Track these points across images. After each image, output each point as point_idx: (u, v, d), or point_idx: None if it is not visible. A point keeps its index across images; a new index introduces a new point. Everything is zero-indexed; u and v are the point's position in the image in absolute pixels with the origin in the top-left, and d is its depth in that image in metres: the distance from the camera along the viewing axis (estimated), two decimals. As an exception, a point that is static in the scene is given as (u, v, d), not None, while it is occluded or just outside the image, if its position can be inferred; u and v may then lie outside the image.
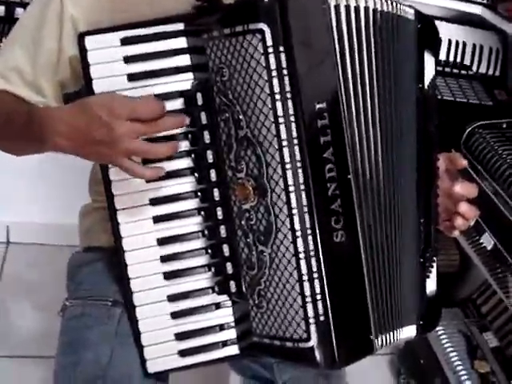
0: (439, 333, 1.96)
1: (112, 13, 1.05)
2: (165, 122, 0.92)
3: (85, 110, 0.92)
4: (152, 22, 1.02)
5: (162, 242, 1.03)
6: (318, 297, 0.94)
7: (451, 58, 1.91)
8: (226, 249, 1.03)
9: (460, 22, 1.96)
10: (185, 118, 0.96)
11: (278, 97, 0.92)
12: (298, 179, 0.93)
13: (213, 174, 1.01)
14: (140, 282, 1.04)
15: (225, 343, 1.06)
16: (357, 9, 0.97)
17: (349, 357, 0.97)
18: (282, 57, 0.91)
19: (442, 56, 1.89)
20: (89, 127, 0.91)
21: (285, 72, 0.92)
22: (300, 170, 0.93)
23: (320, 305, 0.94)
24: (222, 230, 1.02)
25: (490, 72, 1.98)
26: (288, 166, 0.93)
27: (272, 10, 0.91)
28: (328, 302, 0.94)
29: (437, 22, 1.14)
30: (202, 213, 1.03)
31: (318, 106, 0.93)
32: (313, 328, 0.95)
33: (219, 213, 1.02)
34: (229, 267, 1.03)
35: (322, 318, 0.95)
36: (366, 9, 0.98)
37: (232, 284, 1.03)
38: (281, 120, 0.92)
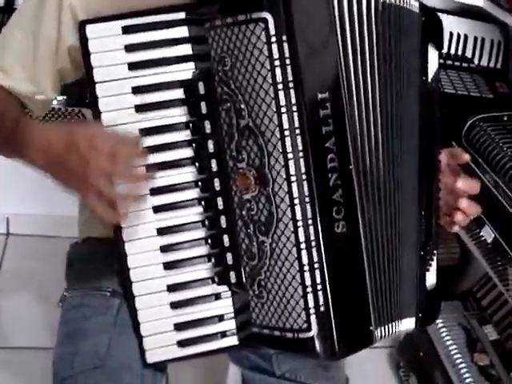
0: (439, 326, 1.96)
1: (112, 1, 1.05)
2: (138, 175, 0.95)
3: (68, 134, 0.93)
4: (153, 10, 1.01)
5: (162, 231, 1.03)
6: (319, 287, 0.94)
7: (452, 51, 1.91)
8: (226, 239, 1.02)
9: (461, 14, 1.95)
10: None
11: (280, 86, 0.92)
12: (300, 169, 0.93)
13: (213, 164, 1.01)
14: (139, 272, 1.03)
15: (224, 334, 1.06)
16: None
17: (349, 347, 0.97)
18: (285, 46, 0.91)
19: (444, 49, 1.89)
20: (66, 153, 0.92)
21: (287, 61, 0.91)
22: (302, 160, 0.93)
23: (320, 295, 0.94)
24: (223, 220, 1.02)
25: (492, 65, 1.97)
26: (290, 156, 0.93)
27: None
28: (328, 292, 0.94)
29: (438, 15, 1.13)
30: (203, 203, 1.03)
31: (320, 96, 0.92)
32: (313, 318, 0.95)
33: (220, 203, 1.02)
34: (229, 257, 1.02)
35: (322, 309, 0.94)
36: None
37: (232, 274, 1.02)
38: (283, 110, 0.92)
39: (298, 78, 0.91)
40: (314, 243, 0.94)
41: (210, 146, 1.01)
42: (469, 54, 1.95)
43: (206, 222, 1.03)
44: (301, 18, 0.91)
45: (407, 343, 2.10)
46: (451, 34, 1.90)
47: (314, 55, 0.93)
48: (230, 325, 1.06)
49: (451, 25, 1.89)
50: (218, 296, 1.05)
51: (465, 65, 1.94)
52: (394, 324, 1.03)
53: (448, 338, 1.95)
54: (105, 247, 1.16)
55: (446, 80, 1.83)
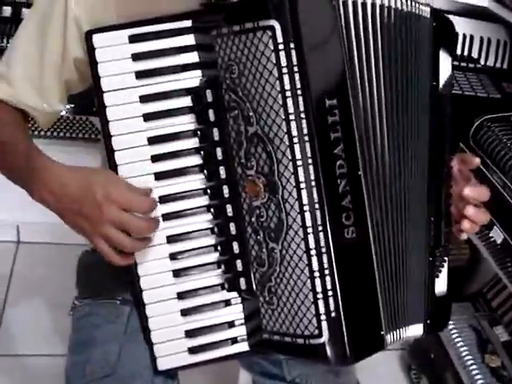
0: (450, 327, 1.96)
1: (117, 10, 1.05)
2: (150, 227, 0.97)
3: (85, 182, 0.95)
4: (160, 19, 1.01)
5: (172, 239, 1.03)
6: (330, 293, 0.94)
7: (459, 52, 1.90)
8: (235, 246, 1.02)
9: (467, 14, 1.94)
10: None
11: (288, 94, 0.92)
12: (309, 176, 0.93)
13: (222, 172, 1.01)
14: (150, 279, 1.03)
15: (234, 340, 1.06)
16: (364, 5, 0.97)
17: (360, 353, 0.97)
18: (293, 53, 0.91)
19: (456, 54, 1.88)
20: (81, 199, 0.94)
21: (295, 69, 0.91)
22: (311, 167, 0.93)
23: (331, 301, 0.94)
24: (232, 227, 1.02)
25: (498, 65, 1.97)
26: (299, 163, 0.93)
27: (282, 7, 0.90)
28: (339, 298, 0.94)
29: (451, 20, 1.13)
30: (212, 210, 1.03)
31: (328, 103, 0.92)
32: (324, 324, 0.95)
33: (229, 210, 1.02)
34: (238, 264, 1.02)
35: (333, 314, 0.94)
36: (373, 5, 0.98)
37: (242, 281, 1.02)
38: (291, 117, 0.92)
39: (305, 85, 0.91)
40: (324, 249, 0.94)
41: (219, 153, 1.01)
42: (475, 55, 1.95)
43: (216, 229, 1.03)
44: (308, 25, 0.91)
45: (418, 345, 2.09)
46: (457, 35, 1.89)
47: (321, 62, 0.93)
48: (240, 331, 1.06)
49: (457, 26, 1.87)
50: (227, 302, 1.05)
51: (471, 65, 1.94)
52: (403, 329, 1.03)
53: (459, 339, 1.95)
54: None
55: (453, 81, 1.83)
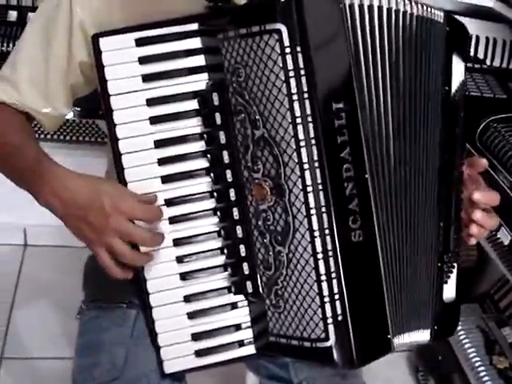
0: (457, 329, 1.95)
1: (122, 13, 1.05)
2: (154, 239, 0.97)
3: (93, 191, 0.95)
4: (166, 22, 1.02)
5: (178, 242, 1.03)
6: (336, 296, 0.94)
7: (464, 52, 1.90)
8: (242, 249, 1.02)
9: (472, 15, 1.94)
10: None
11: (295, 97, 0.92)
12: (316, 179, 0.93)
13: (229, 175, 1.01)
14: (156, 282, 1.03)
15: (241, 343, 1.06)
16: (370, 8, 0.97)
17: (367, 356, 0.97)
18: (299, 57, 0.91)
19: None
20: (87, 207, 0.94)
21: (302, 72, 0.91)
22: (318, 170, 0.93)
23: (338, 304, 0.94)
24: (239, 231, 1.02)
25: (504, 65, 1.96)
26: (306, 166, 0.93)
27: (289, 10, 0.90)
28: (346, 301, 0.94)
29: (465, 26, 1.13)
30: (218, 213, 1.03)
31: (335, 106, 0.92)
32: (331, 328, 0.95)
33: (235, 213, 1.02)
34: (245, 267, 1.02)
35: (340, 318, 0.94)
36: (380, 8, 0.97)
37: (248, 284, 1.02)
38: (298, 120, 0.92)
39: (312, 88, 0.91)
40: (330, 253, 0.94)
41: (225, 156, 1.01)
42: (481, 55, 1.94)
43: (222, 232, 1.03)
44: (314, 28, 0.91)
45: (425, 347, 2.09)
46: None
47: (328, 65, 0.93)
48: (246, 334, 1.06)
49: (462, 26, 1.88)
50: (234, 305, 1.05)
51: (477, 66, 1.93)
52: (410, 333, 1.03)
53: (466, 340, 1.94)
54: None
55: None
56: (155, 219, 0.98)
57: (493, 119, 1.71)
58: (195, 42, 1.02)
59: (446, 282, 1.09)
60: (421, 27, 1.02)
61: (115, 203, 0.93)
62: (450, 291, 1.10)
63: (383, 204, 0.98)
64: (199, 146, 1.02)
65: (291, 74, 0.92)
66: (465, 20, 1.89)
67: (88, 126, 2.23)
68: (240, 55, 0.96)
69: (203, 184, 1.03)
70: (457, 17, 1.08)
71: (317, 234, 0.94)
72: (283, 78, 0.92)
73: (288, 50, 0.91)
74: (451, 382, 1.96)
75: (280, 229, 0.97)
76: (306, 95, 0.92)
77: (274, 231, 0.97)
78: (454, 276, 1.10)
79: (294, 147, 0.93)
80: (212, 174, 1.02)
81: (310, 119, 0.92)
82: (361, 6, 0.96)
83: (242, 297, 1.04)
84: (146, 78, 1.01)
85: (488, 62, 1.95)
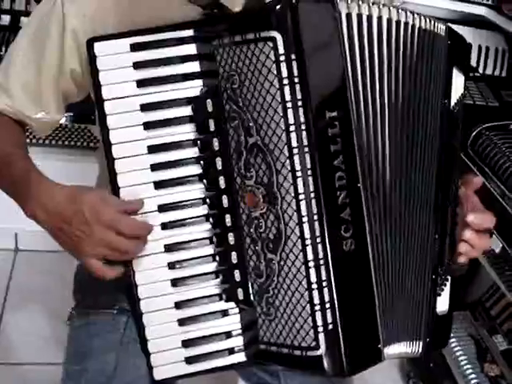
0: (448, 337, 1.96)
1: (116, 20, 1.05)
2: (135, 249, 0.98)
3: (76, 201, 0.95)
4: (161, 28, 1.02)
5: (170, 248, 1.03)
6: (327, 305, 0.94)
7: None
8: (234, 256, 1.02)
9: (465, 23, 1.95)
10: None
11: (289, 105, 0.92)
12: (308, 187, 0.93)
13: (222, 181, 1.01)
14: (147, 288, 1.03)
15: (231, 351, 1.05)
16: (369, 18, 0.97)
17: (357, 365, 0.97)
18: (294, 65, 0.91)
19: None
20: (71, 219, 0.95)
21: (296, 80, 0.91)
22: (310, 179, 0.93)
23: (329, 313, 0.94)
24: (231, 238, 1.02)
25: (497, 73, 1.97)
26: (298, 174, 0.93)
27: (284, 18, 0.90)
28: (337, 310, 0.94)
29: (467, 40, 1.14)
30: (211, 220, 1.03)
31: (329, 115, 0.92)
32: (321, 336, 0.94)
33: (227, 220, 1.02)
34: (237, 274, 1.02)
35: (330, 327, 0.94)
36: (380, 18, 0.98)
37: (240, 291, 1.02)
38: (292, 128, 0.92)
39: (306, 96, 0.91)
40: (322, 261, 0.93)
41: (218, 163, 1.01)
42: (473, 63, 1.95)
43: (214, 239, 1.03)
44: (309, 36, 0.91)
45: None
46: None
47: (322, 74, 0.93)
48: (237, 341, 1.05)
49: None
50: (225, 313, 1.05)
51: (470, 74, 1.94)
52: (402, 344, 1.03)
53: (458, 348, 1.94)
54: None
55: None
56: (136, 231, 0.97)
57: (485, 127, 1.72)
58: (190, 49, 1.02)
59: (440, 295, 1.09)
60: (423, 39, 1.03)
61: (96, 212, 0.94)
62: (443, 304, 1.10)
63: (376, 214, 0.98)
64: (192, 152, 1.02)
65: (285, 81, 0.92)
66: (458, 28, 1.91)
67: (80, 130, 2.23)
68: (235, 62, 0.96)
69: (196, 190, 1.03)
70: (450, 24, 1.08)
71: (308, 242, 0.94)
72: (277, 86, 0.92)
73: (282, 58, 0.91)
74: (442, 389, 1.96)
75: (272, 236, 0.97)
76: (299, 103, 0.92)
77: (265, 239, 0.97)
78: (447, 289, 1.10)
79: (287, 155, 0.93)
80: (205, 181, 1.02)
81: (303, 127, 0.92)
82: (359, 16, 0.96)
83: (233, 304, 1.04)
84: (141, 83, 1.01)
85: (480, 69, 1.96)
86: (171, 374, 1.05)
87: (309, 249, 0.94)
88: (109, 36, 1.01)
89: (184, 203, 1.03)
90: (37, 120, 1.12)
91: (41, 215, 0.98)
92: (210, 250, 1.04)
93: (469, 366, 1.90)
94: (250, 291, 1.01)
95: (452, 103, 1.08)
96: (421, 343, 1.06)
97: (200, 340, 1.04)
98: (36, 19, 1.10)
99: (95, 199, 0.95)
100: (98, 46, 1.00)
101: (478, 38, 1.96)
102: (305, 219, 0.93)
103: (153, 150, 1.01)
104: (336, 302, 0.94)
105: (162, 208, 1.02)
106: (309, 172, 0.93)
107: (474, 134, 1.71)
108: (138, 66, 1.01)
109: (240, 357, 1.06)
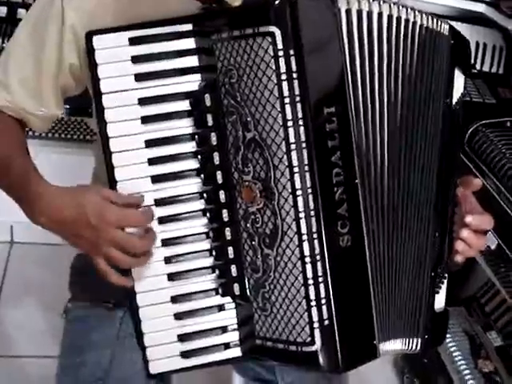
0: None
1: (116, 15, 1.05)
2: (144, 244, 0.97)
3: (77, 205, 0.95)
4: (160, 22, 1.01)
5: (167, 242, 1.03)
6: (323, 301, 0.94)
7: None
8: (230, 251, 1.02)
9: (463, 19, 1.94)
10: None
11: (287, 100, 0.92)
12: (306, 183, 0.93)
13: (219, 176, 1.01)
14: (144, 283, 1.03)
15: (227, 345, 1.05)
16: (369, 14, 0.97)
17: (352, 361, 0.97)
18: (292, 60, 0.91)
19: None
20: (76, 223, 0.95)
21: (294, 75, 0.91)
22: (307, 174, 0.93)
23: (325, 309, 0.94)
24: (227, 232, 1.02)
25: (494, 70, 1.97)
26: (296, 170, 0.93)
27: (283, 13, 0.91)
28: (333, 306, 0.94)
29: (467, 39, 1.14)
30: (208, 214, 1.03)
31: (326, 110, 0.92)
32: (317, 332, 0.95)
33: (225, 215, 1.02)
34: (233, 269, 1.02)
35: (326, 323, 0.94)
36: (380, 14, 0.98)
37: (236, 286, 1.02)
38: (289, 123, 0.92)
39: (304, 91, 0.92)
40: (318, 257, 0.94)
41: (216, 157, 1.01)
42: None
43: (211, 234, 1.03)
44: (308, 31, 0.91)
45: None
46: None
47: (320, 69, 0.93)
48: (233, 336, 1.05)
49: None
50: (221, 307, 1.05)
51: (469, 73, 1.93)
52: (397, 341, 1.04)
53: (452, 344, 1.94)
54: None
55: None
56: (143, 223, 0.98)
57: (482, 124, 1.71)
58: (189, 43, 1.02)
59: (438, 292, 1.09)
60: (425, 37, 1.03)
61: (101, 214, 0.94)
62: (440, 301, 1.10)
63: (374, 210, 0.98)
64: (190, 146, 1.02)
65: (283, 76, 0.92)
66: (455, 24, 1.91)
67: (77, 123, 2.23)
68: (233, 57, 0.96)
69: (193, 185, 1.03)
70: (448, 21, 1.09)
71: (305, 237, 0.94)
72: (275, 81, 0.92)
73: (281, 53, 0.91)
74: (437, 385, 1.96)
75: (268, 231, 0.97)
76: (297, 98, 0.92)
77: (262, 234, 0.97)
78: (444, 287, 1.10)
79: (285, 150, 0.93)
80: (202, 175, 1.02)
81: (301, 122, 0.92)
82: (359, 12, 0.96)
83: (229, 299, 1.04)
84: (139, 77, 1.01)
85: (478, 66, 1.95)
86: (167, 368, 1.06)
87: (305, 244, 0.94)
88: (108, 29, 1.01)
89: (181, 198, 1.03)
90: (37, 116, 1.12)
91: (47, 224, 0.99)
92: (206, 244, 1.04)
93: (463, 362, 1.90)
94: (247, 286, 1.01)
95: (453, 102, 1.09)
96: (419, 340, 1.07)
97: (196, 334, 1.05)
98: (35, 14, 1.10)
99: (96, 200, 0.95)
100: (97, 40, 1.00)
101: (475, 34, 1.96)
102: (301, 215, 0.93)
103: (150, 144, 1.01)
104: (332, 297, 0.94)
105: (159, 202, 1.02)
106: (306, 168, 0.93)
107: (470, 130, 1.71)
108: (136, 59, 1.01)
109: (236, 351, 1.06)
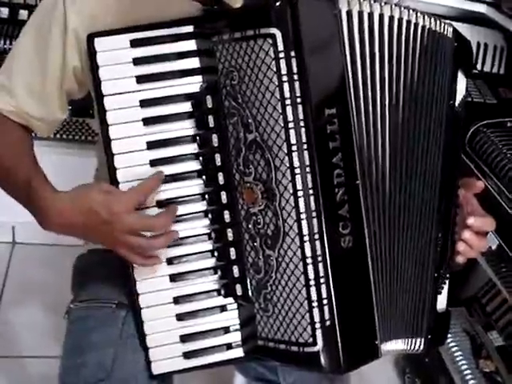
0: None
1: (117, 17, 1.05)
2: (160, 221, 0.97)
3: (84, 207, 0.96)
4: (161, 24, 1.02)
5: (169, 244, 1.02)
6: (325, 301, 0.94)
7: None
8: (232, 252, 1.02)
9: (464, 20, 1.95)
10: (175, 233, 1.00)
11: (288, 102, 0.92)
12: (307, 184, 0.93)
13: (221, 178, 1.01)
14: (146, 284, 1.03)
15: (229, 346, 1.06)
16: (371, 15, 0.97)
17: (354, 362, 0.97)
18: (293, 62, 0.91)
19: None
20: (89, 223, 0.96)
21: (295, 77, 0.92)
22: (309, 175, 0.93)
23: (326, 310, 0.94)
24: (229, 233, 1.02)
25: (495, 70, 1.97)
26: (297, 171, 0.93)
27: (284, 15, 0.91)
28: (334, 306, 0.94)
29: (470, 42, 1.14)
30: (209, 216, 1.03)
31: (327, 112, 0.93)
32: (319, 333, 0.95)
33: (226, 216, 1.02)
34: (235, 270, 1.03)
35: (328, 323, 0.95)
36: (381, 16, 0.98)
37: (238, 287, 1.03)
38: (290, 125, 0.93)
39: (305, 93, 0.92)
40: (320, 258, 0.94)
41: (217, 159, 1.01)
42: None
43: (213, 235, 1.04)
44: (309, 33, 0.91)
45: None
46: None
47: (321, 71, 0.93)
48: (235, 337, 1.06)
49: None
50: (223, 308, 1.05)
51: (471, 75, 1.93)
52: (399, 341, 1.04)
53: (453, 344, 1.94)
54: (111, 259, 1.16)
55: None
56: (149, 192, 0.98)
57: (482, 124, 1.71)
58: (190, 45, 1.02)
59: (440, 293, 1.09)
60: (427, 39, 1.03)
61: (108, 208, 0.94)
62: (442, 301, 1.11)
63: (375, 211, 0.98)
64: (192, 148, 1.02)
65: (284, 78, 0.92)
66: (456, 25, 1.91)
67: (78, 124, 2.23)
68: (234, 58, 0.96)
69: (195, 186, 1.03)
70: (449, 21, 1.09)
71: (306, 238, 0.94)
72: (276, 83, 0.92)
73: (282, 55, 0.92)
74: (438, 384, 1.97)
75: (270, 233, 0.97)
76: (298, 100, 0.92)
77: (264, 235, 0.98)
78: (446, 287, 1.11)
79: (286, 152, 0.93)
80: (204, 177, 1.03)
81: (302, 124, 0.92)
82: (360, 13, 0.96)
83: (231, 300, 1.05)
84: (140, 79, 1.01)
85: (479, 66, 1.95)
86: (169, 368, 1.06)
87: (307, 245, 0.94)
88: (109, 32, 1.01)
89: (183, 199, 1.03)
90: (42, 121, 1.12)
91: (60, 230, 1.00)
92: (208, 245, 1.04)
93: (464, 362, 1.91)
94: (249, 287, 1.02)
95: (456, 104, 1.09)
96: (422, 340, 1.07)
97: (198, 335, 1.05)
98: (38, 18, 1.10)
99: (100, 196, 0.95)
100: (98, 42, 1.00)
101: (476, 34, 1.96)
102: (303, 216, 0.94)
103: (152, 145, 1.01)
104: (333, 298, 0.94)
105: (161, 204, 1.02)
106: (307, 169, 0.93)
107: (471, 131, 1.71)
108: (137, 61, 1.01)
109: (238, 352, 1.06)
